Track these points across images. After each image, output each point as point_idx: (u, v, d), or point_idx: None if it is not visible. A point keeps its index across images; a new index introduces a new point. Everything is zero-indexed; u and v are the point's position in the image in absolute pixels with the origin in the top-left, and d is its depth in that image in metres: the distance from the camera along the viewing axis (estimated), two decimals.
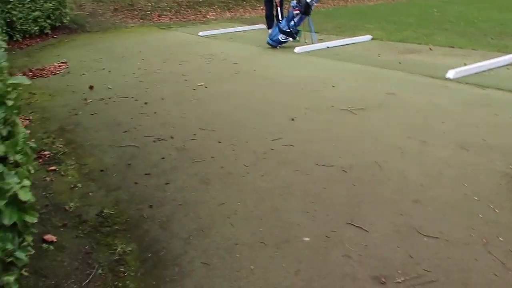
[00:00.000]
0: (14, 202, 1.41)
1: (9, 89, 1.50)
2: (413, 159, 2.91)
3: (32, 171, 1.65)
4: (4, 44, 1.34)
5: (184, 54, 6.74)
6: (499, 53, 5.76)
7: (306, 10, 6.56)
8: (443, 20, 9.96)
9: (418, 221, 2.21)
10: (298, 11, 6.59)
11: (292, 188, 2.61)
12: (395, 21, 10.11)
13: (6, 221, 1.35)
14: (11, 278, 1.40)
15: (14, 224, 1.41)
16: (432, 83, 4.54)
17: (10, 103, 1.48)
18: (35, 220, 1.50)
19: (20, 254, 1.47)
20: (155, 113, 4.08)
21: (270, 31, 8.78)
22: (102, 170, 2.94)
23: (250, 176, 2.79)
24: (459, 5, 13.18)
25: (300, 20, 6.68)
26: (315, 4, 6.70)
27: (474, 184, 2.54)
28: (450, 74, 4.57)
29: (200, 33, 8.59)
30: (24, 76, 2.24)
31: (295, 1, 6.70)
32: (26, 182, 1.46)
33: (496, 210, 2.28)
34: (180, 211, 2.41)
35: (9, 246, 1.40)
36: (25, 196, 1.45)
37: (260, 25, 9.65)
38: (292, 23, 6.65)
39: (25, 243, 1.52)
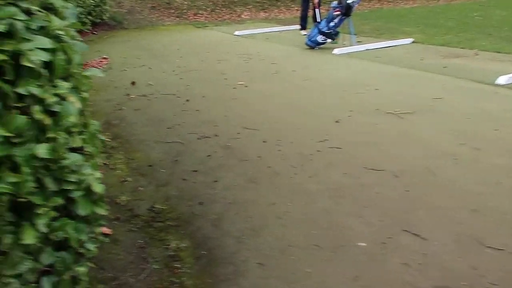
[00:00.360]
0: (88, 193, 1.43)
1: (84, 81, 1.52)
2: (468, 166, 2.80)
3: (100, 163, 1.67)
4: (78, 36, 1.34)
5: (222, 53, 6.76)
6: None
7: (347, 11, 6.47)
8: (485, 24, 9.62)
9: (479, 232, 2.12)
10: (338, 12, 6.49)
11: (342, 191, 2.56)
12: (434, 24, 9.84)
13: (82, 212, 1.37)
14: (83, 269, 1.42)
15: (85, 215, 1.42)
16: (481, 89, 4.37)
17: (85, 95, 1.49)
18: (105, 212, 1.51)
19: (90, 246, 1.49)
20: (197, 110, 4.10)
21: (303, 32, 8.75)
22: (150, 165, 2.97)
23: (298, 177, 2.75)
24: (500, 10, 12.70)
25: (340, 21, 6.59)
26: (356, 5, 6.59)
27: None
28: (501, 80, 4.39)
29: (236, 33, 8.62)
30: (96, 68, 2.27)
31: (336, 2, 6.62)
32: (98, 174, 1.47)
33: None
34: (231, 209, 2.40)
35: (83, 237, 1.41)
36: (98, 187, 1.47)
37: (295, 25, 9.58)
38: (332, 24, 6.57)
39: (93, 235, 1.53)
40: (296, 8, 12.56)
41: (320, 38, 6.68)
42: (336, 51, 6.44)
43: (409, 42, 7.20)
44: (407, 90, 4.49)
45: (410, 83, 4.78)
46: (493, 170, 2.72)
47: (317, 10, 8.34)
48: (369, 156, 3.01)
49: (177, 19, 10.66)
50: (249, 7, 12.11)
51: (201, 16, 11.06)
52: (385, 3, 14.68)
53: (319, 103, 4.19)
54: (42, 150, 1.10)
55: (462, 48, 6.63)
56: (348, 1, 6.43)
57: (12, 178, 1.02)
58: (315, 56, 6.42)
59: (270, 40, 7.96)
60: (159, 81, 5.19)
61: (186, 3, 11.63)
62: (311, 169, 2.85)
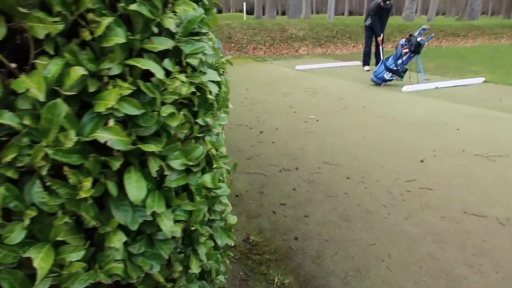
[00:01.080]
0: (225, 224, 1.42)
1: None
2: None
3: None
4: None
5: (286, 87, 6.85)
6: None
7: (416, 48, 6.38)
8: None
9: None
10: (407, 50, 6.42)
11: (444, 236, 2.40)
12: (502, 64, 9.49)
13: (221, 243, 1.35)
14: None
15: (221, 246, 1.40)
16: None
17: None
18: (233, 243, 1.49)
19: (221, 277, 1.47)
20: (272, 142, 4.11)
21: (366, 67, 8.72)
22: (237, 196, 2.97)
23: (392, 218, 2.62)
24: None
25: (409, 58, 6.51)
26: (426, 43, 6.49)
27: None
28: None
29: (297, 67, 8.74)
30: None
31: (404, 39, 6.56)
32: (230, 206, 1.46)
33: None
34: (329, 247, 2.31)
35: (221, 268, 1.40)
36: (232, 219, 1.46)
37: (355, 61, 9.61)
38: (399, 61, 6.49)
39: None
40: (352, 44, 12.65)
41: (387, 75, 6.61)
42: (404, 88, 6.32)
43: (480, 82, 6.94)
44: (491, 132, 4.27)
45: (493, 124, 4.55)
46: None
47: (380, 47, 8.36)
48: (465, 199, 2.84)
49: (237, 52, 11.03)
50: (306, 42, 12.32)
51: (260, 51, 11.38)
52: (443, 41, 14.45)
53: (397, 141, 4.07)
54: (208, 179, 1.11)
55: None
56: (417, 39, 6.36)
57: (189, 207, 1.02)
58: (383, 93, 6.32)
59: (332, 75, 7.99)
60: (230, 111, 5.28)
61: (246, 37, 12.04)
62: (405, 210, 2.72)
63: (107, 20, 0.75)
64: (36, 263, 0.76)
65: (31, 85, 0.69)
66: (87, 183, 0.77)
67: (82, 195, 0.78)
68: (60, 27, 0.71)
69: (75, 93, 0.75)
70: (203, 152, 1.03)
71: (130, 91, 0.80)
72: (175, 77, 0.90)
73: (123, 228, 0.90)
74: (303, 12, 21.86)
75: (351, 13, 63.02)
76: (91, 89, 0.79)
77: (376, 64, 8.56)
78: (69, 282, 0.82)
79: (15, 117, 0.72)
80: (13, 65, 0.72)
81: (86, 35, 0.74)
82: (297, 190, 3.06)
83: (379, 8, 8.30)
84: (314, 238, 2.41)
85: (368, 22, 8.47)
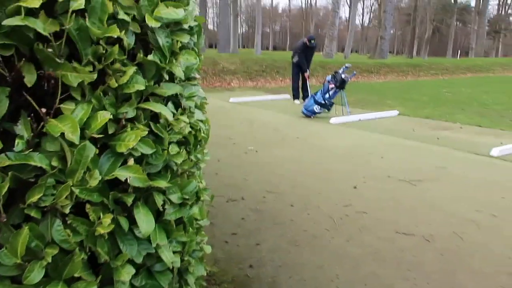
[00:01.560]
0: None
1: None
2: (491, 232, 3.00)
3: None
4: None
5: (223, 119, 7.02)
6: None
7: (341, 84, 7.00)
8: (456, 100, 10.55)
9: None
10: (333, 85, 7.02)
11: (382, 255, 2.67)
12: (411, 98, 10.70)
13: (198, 273, 1.41)
14: None
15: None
16: (479, 160, 4.76)
17: None
18: (205, 274, 1.55)
19: None
20: (216, 174, 4.20)
21: (296, 101, 9.29)
22: None
23: (336, 241, 2.85)
24: (465, 88, 14.02)
25: (335, 93, 7.10)
26: (349, 80, 7.16)
27: None
28: (494, 152, 4.82)
29: (231, 99, 9.00)
30: None
31: (330, 76, 7.17)
32: (206, 237, 1.54)
33: None
34: (283, 272, 2.44)
35: None
36: (208, 249, 1.53)
37: (285, 94, 10.16)
38: (327, 95, 7.06)
39: None
40: (280, 78, 13.36)
41: (316, 108, 7.12)
42: (332, 120, 6.85)
43: (395, 114, 7.77)
44: (410, 159, 4.81)
45: (411, 152, 5.13)
46: None
47: (307, 82, 8.99)
48: (395, 221, 3.18)
49: None
50: (238, 75, 12.76)
51: None
52: (360, 77, 15.85)
53: (332, 169, 4.41)
54: (196, 211, 1.19)
55: (445, 121, 7.23)
56: (342, 76, 6.99)
57: (184, 238, 1.10)
58: (314, 125, 6.78)
59: (265, 108, 8.36)
60: None
61: None
62: (346, 233, 2.96)
63: (131, 70, 0.84)
64: None
65: (66, 129, 0.75)
66: (107, 219, 0.83)
67: (101, 231, 0.83)
68: (94, 76, 0.78)
69: (102, 135, 0.81)
70: (196, 186, 1.12)
71: (146, 132, 0.88)
72: (178, 118, 1.00)
73: (129, 261, 0.95)
74: (231, 47, 22.66)
75: (275, 48, 66.26)
76: (110, 131, 0.86)
77: (304, 98, 9.17)
78: None
79: (45, 159, 0.76)
80: (44, 110, 0.77)
81: (112, 82, 0.82)
82: (246, 219, 3.17)
83: (304, 47, 8.98)
84: (268, 264, 2.53)
85: (295, 59, 9.09)
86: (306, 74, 9.00)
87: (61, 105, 0.81)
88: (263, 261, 2.56)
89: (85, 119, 0.79)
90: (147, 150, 0.89)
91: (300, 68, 9.05)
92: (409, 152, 5.13)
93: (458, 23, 55.34)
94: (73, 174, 0.78)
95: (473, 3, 49.42)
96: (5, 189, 0.72)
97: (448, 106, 9.42)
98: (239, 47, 29.99)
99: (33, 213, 0.77)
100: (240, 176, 4.13)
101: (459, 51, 50.00)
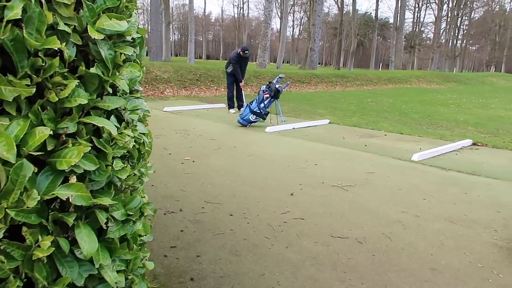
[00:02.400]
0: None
1: None
2: (415, 231, 3.26)
3: None
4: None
5: (158, 129, 6.85)
6: (442, 140, 6.74)
7: (275, 94, 7.20)
8: (380, 109, 11.35)
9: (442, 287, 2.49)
10: (268, 95, 7.19)
11: (320, 259, 2.77)
12: (340, 108, 11.30)
13: None
14: None
15: None
16: (402, 165, 5.16)
17: None
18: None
19: None
20: (152, 185, 4.08)
21: (231, 110, 9.36)
22: None
23: (275, 248, 2.90)
24: (387, 98, 15.13)
25: (270, 103, 7.28)
26: (283, 90, 7.38)
27: (473, 254, 2.92)
28: (415, 157, 5.26)
29: (165, 109, 8.82)
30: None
31: (265, 86, 7.34)
32: (149, 252, 1.50)
33: (500, 276, 2.64)
34: (224, 283, 2.43)
35: None
36: (150, 265, 1.48)
37: (220, 104, 10.18)
38: (262, 105, 7.20)
39: None
40: (215, 87, 13.37)
41: (252, 117, 7.23)
42: (268, 129, 7.00)
43: (326, 123, 8.15)
44: (342, 165, 5.08)
45: (342, 159, 5.41)
46: (435, 234, 3.22)
47: (242, 91, 9.11)
48: (330, 225, 3.32)
49: None
50: (171, 84, 12.53)
51: None
52: (292, 87, 16.40)
53: (269, 177, 4.50)
54: (140, 227, 1.16)
55: (371, 129, 7.74)
56: (276, 86, 7.19)
57: (128, 256, 1.06)
58: (250, 134, 6.88)
59: (200, 117, 8.30)
60: None
61: None
62: (285, 240, 3.03)
63: (73, 83, 0.80)
64: None
65: (1, 148, 0.70)
66: (47, 241, 0.78)
67: (40, 255, 0.78)
68: (33, 90, 0.73)
69: (41, 152, 0.76)
70: (140, 201, 1.09)
71: (89, 148, 0.84)
72: (122, 132, 0.97)
73: (70, 285, 0.89)
74: (164, 55, 22.22)
75: (208, 57, 66.19)
76: (50, 147, 0.81)
77: (239, 107, 9.27)
78: None
79: None
80: None
81: (52, 96, 0.78)
82: (185, 231, 3.12)
83: (239, 57, 9.11)
84: (209, 276, 2.50)
85: (230, 69, 9.17)
86: (241, 84, 9.12)
87: None
88: (204, 273, 2.53)
89: (21, 136, 0.74)
90: (90, 167, 0.85)
91: (234, 77, 9.15)
92: (341, 159, 5.40)
93: (379, 37, 59.80)
94: (8, 195, 0.73)
95: (391, 20, 53.78)
96: None
97: (373, 114, 10.10)
98: (171, 55, 29.52)
99: None
100: (177, 187, 4.06)
101: (380, 64, 53.95)
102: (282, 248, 2.91)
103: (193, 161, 5.01)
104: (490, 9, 57.60)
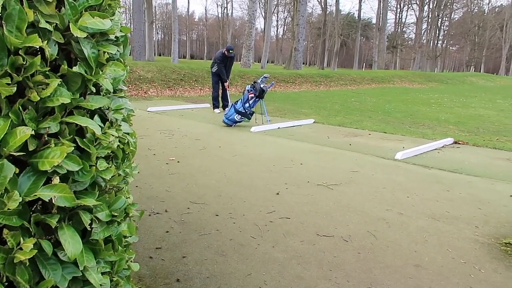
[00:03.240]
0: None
1: None
2: (399, 228, 3.31)
3: None
4: None
5: (141, 129, 6.77)
6: (424, 139, 6.86)
7: (260, 94, 7.20)
8: (364, 109, 11.48)
9: (427, 284, 2.52)
10: (252, 95, 7.19)
11: (306, 257, 2.79)
12: (324, 107, 11.38)
13: None
14: None
15: None
16: (386, 163, 5.23)
17: None
18: None
19: None
20: (136, 186, 4.04)
21: (216, 110, 9.32)
22: None
23: (262, 247, 2.91)
24: (370, 97, 15.31)
25: (254, 102, 7.28)
26: (268, 89, 7.39)
27: (456, 250, 2.98)
28: (398, 155, 5.34)
29: (149, 109, 8.73)
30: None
31: (250, 85, 7.34)
32: (134, 254, 1.48)
33: (482, 271, 2.71)
34: (211, 283, 2.42)
35: None
36: (135, 267, 1.47)
37: (205, 104, 10.14)
38: (247, 105, 7.20)
39: None
40: (199, 87, 13.31)
41: (237, 117, 7.23)
42: (253, 129, 7.00)
43: (311, 122, 8.20)
44: (326, 164, 5.11)
45: (327, 158, 5.45)
46: (419, 231, 3.27)
47: (227, 91, 9.09)
48: (316, 224, 3.34)
49: None
50: (155, 84, 12.42)
51: None
52: (277, 86, 16.44)
53: (254, 176, 4.50)
54: (125, 228, 1.15)
55: (356, 128, 7.82)
56: (261, 86, 7.20)
57: (113, 257, 1.04)
58: (235, 133, 6.87)
59: (185, 117, 8.25)
60: None
61: None
62: (271, 239, 3.04)
63: (55, 82, 0.78)
64: None
65: None
66: (29, 244, 0.76)
67: (22, 257, 0.76)
68: (13, 89, 0.72)
69: (22, 153, 0.75)
70: (125, 202, 1.08)
71: (72, 148, 0.83)
72: (106, 132, 0.95)
73: None
74: (147, 54, 22.00)
75: (192, 57, 65.81)
76: (31, 147, 0.79)
77: (224, 107, 9.25)
78: None
79: None
80: None
81: (34, 95, 0.76)
82: (170, 232, 3.09)
83: (224, 57, 9.08)
84: (196, 277, 2.49)
85: (215, 69, 9.14)
86: (226, 84, 9.10)
87: None
88: (191, 274, 2.52)
89: (1, 136, 0.72)
90: (74, 167, 0.83)
91: (219, 77, 9.12)
92: (325, 158, 5.44)
93: (362, 38, 60.48)
94: None
95: (374, 20, 54.48)
96: None
97: (357, 114, 10.21)
98: (155, 55, 29.26)
99: None
100: (162, 188, 4.02)
101: (364, 64, 54.60)
102: (269, 247, 2.92)
103: (178, 162, 4.98)
104: (469, 10, 58.93)
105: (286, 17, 64.74)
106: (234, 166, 4.89)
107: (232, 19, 63.11)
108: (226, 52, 9.01)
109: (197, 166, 4.83)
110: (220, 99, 9.40)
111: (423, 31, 51.66)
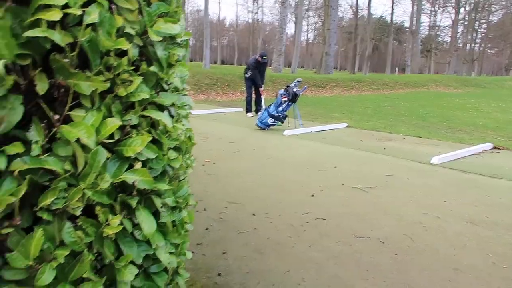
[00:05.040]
0: None
1: None
2: (436, 232, 3.28)
3: None
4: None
5: None
6: (461, 144, 6.70)
7: (293, 98, 7.27)
8: (397, 113, 11.31)
9: (466, 287, 2.51)
10: (286, 99, 7.27)
11: (342, 258, 2.82)
12: (356, 111, 11.29)
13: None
14: None
15: None
16: (422, 168, 5.17)
17: None
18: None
19: None
20: None
21: (249, 114, 9.46)
22: None
23: (299, 247, 2.97)
24: (404, 102, 15.03)
25: (287, 106, 7.35)
26: (301, 93, 7.45)
27: (497, 255, 2.93)
28: (434, 160, 5.26)
29: None
30: None
31: (283, 90, 7.42)
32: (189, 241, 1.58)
33: None
34: (251, 279, 2.50)
35: None
36: (189, 255, 1.57)
37: (238, 108, 10.31)
38: (280, 108, 7.29)
39: None
40: (231, 92, 13.52)
41: (270, 121, 7.32)
42: (286, 132, 7.07)
43: (344, 126, 8.18)
44: (361, 168, 5.11)
45: (361, 161, 5.45)
46: (457, 235, 3.23)
47: (262, 96, 9.22)
48: (352, 225, 3.37)
49: None
50: (188, 89, 12.72)
51: None
52: (308, 91, 16.44)
53: (289, 179, 4.57)
54: (186, 215, 1.25)
55: (389, 132, 7.74)
56: (294, 90, 7.27)
57: (178, 240, 1.15)
58: (268, 137, 6.96)
59: (219, 121, 8.43)
60: None
61: None
62: (308, 239, 3.09)
63: (138, 80, 0.89)
64: None
65: (81, 134, 0.79)
66: (116, 220, 0.87)
67: (109, 232, 0.87)
68: (107, 85, 0.83)
69: (112, 140, 0.86)
70: (187, 190, 1.18)
71: (151, 138, 0.94)
72: (174, 126, 1.06)
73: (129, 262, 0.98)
74: None
75: (223, 62, 66.71)
76: (117, 137, 0.91)
77: (257, 111, 9.38)
78: None
79: (59, 163, 0.80)
80: (56, 116, 0.81)
81: (121, 91, 0.87)
82: (210, 229, 3.21)
83: (257, 62, 9.23)
84: (236, 272, 2.58)
85: (248, 74, 9.30)
86: (261, 89, 9.24)
87: (71, 112, 0.85)
88: (231, 269, 2.61)
89: (96, 126, 0.84)
90: (151, 155, 0.94)
91: (252, 82, 9.27)
92: (359, 162, 5.44)
93: (394, 41, 59.34)
94: (86, 178, 0.82)
95: (407, 24, 53.41)
96: (23, 192, 0.74)
97: (390, 118, 10.07)
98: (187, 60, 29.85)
99: (45, 216, 0.80)
100: (199, 188, 4.15)
101: (396, 68, 53.52)
102: (305, 247, 2.97)
103: (214, 163, 5.11)
104: (509, 11, 56.65)
105: (316, 21, 64.52)
106: (268, 169, 4.97)
107: (262, 25, 63.60)
108: (259, 58, 9.16)
109: (232, 168, 4.95)
110: (253, 103, 9.54)
111: (459, 34, 50.14)
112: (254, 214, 3.53)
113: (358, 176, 4.72)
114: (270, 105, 7.47)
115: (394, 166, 5.23)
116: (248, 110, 9.52)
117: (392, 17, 47.29)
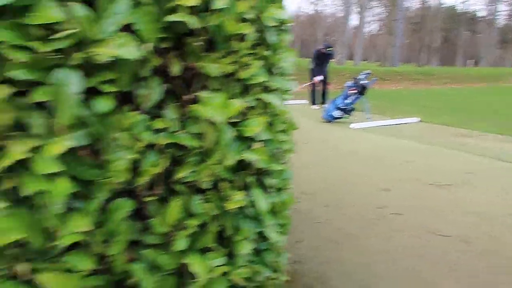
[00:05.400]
0: None
1: None
2: None
3: None
4: None
5: None
6: None
7: (362, 90, 7.08)
8: (471, 109, 10.59)
9: None
10: (354, 91, 7.10)
11: (421, 253, 2.72)
12: (425, 105, 10.74)
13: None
14: None
15: None
16: (506, 166, 4.80)
17: None
18: None
19: None
20: None
21: (314, 106, 9.38)
22: None
23: (374, 239, 2.91)
24: (478, 96, 14.02)
25: (356, 99, 7.18)
26: (370, 86, 7.24)
27: None
28: None
29: None
30: None
31: (351, 82, 7.26)
32: None
33: None
34: (328, 268, 2.51)
35: None
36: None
37: (302, 100, 10.27)
38: (347, 101, 7.14)
39: None
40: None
41: (336, 113, 7.21)
42: (352, 125, 6.93)
43: (416, 121, 7.82)
44: (436, 164, 4.87)
45: (436, 157, 5.19)
46: None
47: (327, 88, 9.11)
48: (430, 222, 3.23)
49: None
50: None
51: None
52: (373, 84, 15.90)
53: (362, 172, 4.48)
54: (287, 198, 1.28)
55: (464, 128, 7.27)
56: (362, 82, 7.08)
57: (284, 220, 1.19)
58: (335, 129, 6.87)
59: None
60: None
61: None
62: (383, 232, 3.02)
63: (258, 63, 0.94)
64: (195, 268, 0.88)
65: (211, 113, 0.85)
66: (239, 195, 0.92)
67: (232, 206, 0.93)
68: (233, 67, 0.88)
69: (236, 120, 0.91)
70: (290, 174, 1.22)
71: (268, 119, 0.98)
72: (282, 109, 1.10)
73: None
74: None
75: None
76: (237, 118, 0.96)
77: (322, 103, 9.28)
78: (213, 285, 0.94)
79: (192, 139, 0.86)
80: (192, 96, 0.87)
81: (243, 74, 0.92)
82: None
83: (320, 54, 9.11)
84: (311, 261, 2.60)
85: (312, 66, 9.22)
86: (316, 79, 9.13)
87: (198, 93, 0.91)
88: (306, 258, 2.63)
89: (224, 106, 0.89)
90: (268, 136, 0.98)
91: (317, 74, 9.17)
92: (434, 157, 5.18)
93: (467, 32, 55.31)
94: (213, 154, 0.88)
95: (481, 13, 49.52)
96: (166, 165, 0.82)
97: (464, 114, 9.45)
98: None
99: (179, 188, 0.87)
100: None
101: (468, 61, 49.93)
102: (380, 239, 2.91)
103: None
104: None
105: (381, 12, 62.00)
106: (338, 161, 4.91)
107: (324, 16, 62.46)
108: (324, 50, 9.03)
109: (302, 159, 4.95)
110: (319, 95, 9.46)
111: None
112: (326, 205, 3.51)
113: (434, 172, 4.50)
114: (336, 98, 7.34)
115: (473, 163, 4.91)
116: (313, 102, 9.44)
117: (464, 6, 44.09)
